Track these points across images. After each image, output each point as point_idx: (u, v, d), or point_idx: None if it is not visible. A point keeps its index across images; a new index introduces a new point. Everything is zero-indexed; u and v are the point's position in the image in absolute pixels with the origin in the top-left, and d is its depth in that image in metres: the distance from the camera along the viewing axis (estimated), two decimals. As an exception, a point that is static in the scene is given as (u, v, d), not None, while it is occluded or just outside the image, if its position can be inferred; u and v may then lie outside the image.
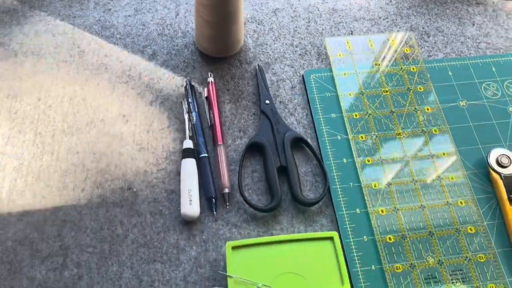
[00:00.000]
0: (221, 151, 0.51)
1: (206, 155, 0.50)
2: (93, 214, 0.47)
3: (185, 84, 0.55)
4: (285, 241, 0.45)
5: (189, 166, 0.49)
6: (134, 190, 0.49)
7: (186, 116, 0.53)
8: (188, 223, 0.47)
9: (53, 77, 0.55)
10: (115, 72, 0.56)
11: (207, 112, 0.54)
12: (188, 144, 0.51)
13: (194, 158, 0.50)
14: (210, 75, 0.55)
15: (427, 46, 0.61)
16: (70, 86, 0.55)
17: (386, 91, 0.56)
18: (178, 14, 0.61)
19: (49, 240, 0.46)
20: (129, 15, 0.61)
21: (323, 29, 0.61)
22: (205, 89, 0.55)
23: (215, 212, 0.48)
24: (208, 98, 0.54)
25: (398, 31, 0.62)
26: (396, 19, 0.63)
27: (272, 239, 0.45)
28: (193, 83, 0.55)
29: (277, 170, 0.50)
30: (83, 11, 0.61)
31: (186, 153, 0.50)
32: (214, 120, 0.52)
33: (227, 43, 0.55)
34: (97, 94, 0.54)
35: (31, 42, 0.58)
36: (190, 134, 0.52)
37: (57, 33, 0.59)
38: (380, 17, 0.63)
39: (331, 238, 0.45)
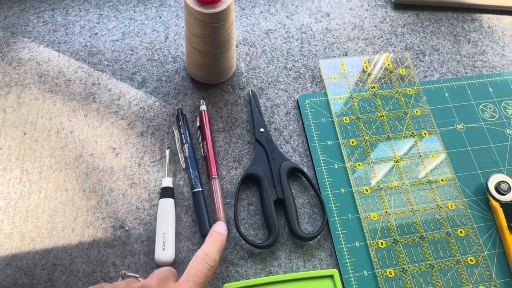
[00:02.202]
0: (216, 184, 0.49)
1: (200, 189, 0.49)
2: (85, 256, 0.45)
3: (176, 113, 0.53)
4: (284, 281, 0.44)
5: (166, 207, 0.47)
6: (127, 228, 0.47)
7: (167, 152, 0.51)
8: (182, 262, 0.46)
9: (39, 109, 0.53)
10: (104, 101, 0.54)
11: (200, 143, 0.52)
12: (167, 182, 0.49)
13: (173, 198, 0.48)
14: (203, 102, 0.54)
15: (423, 66, 0.60)
16: (57, 118, 0.53)
17: (383, 116, 0.55)
18: (167, 38, 0.59)
19: (40, 286, 0.44)
20: (116, 40, 0.59)
21: (316, 51, 0.60)
22: (198, 118, 0.53)
23: (211, 250, 0.46)
24: (201, 127, 0.53)
25: (393, 50, 0.60)
26: (391, 38, 0.62)
27: (271, 279, 0.44)
28: (184, 112, 0.54)
29: (274, 203, 0.48)
30: (68, 36, 0.58)
31: (164, 193, 0.48)
32: (208, 151, 0.51)
33: (220, 71, 0.54)
34: (85, 126, 0.52)
35: (14, 71, 0.55)
36: (184, 167, 0.50)
37: (41, 60, 0.56)
38: (374, 36, 0.62)
39: (331, 276, 0.44)
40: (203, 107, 0.53)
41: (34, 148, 0.51)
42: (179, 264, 0.46)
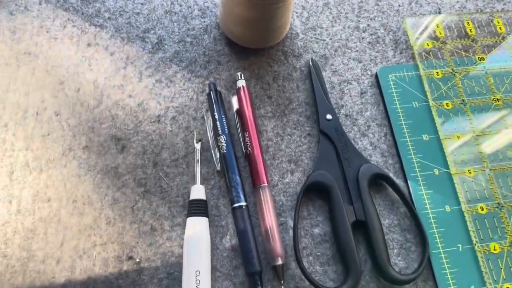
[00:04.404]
0: (267, 197, 0.34)
1: (244, 203, 0.33)
2: (75, 303, 0.31)
3: (208, 90, 0.37)
4: None
5: (197, 230, 0.32)
6: (137, 260, 0.32)
7: (197, 146, 0.35)
8: (220, 312, 0.31)
9: (10, 79, 0.37)
10: (104, 70, 0.38)
11: (240, 135, 0.36)
12: (198, 192, 0.33)
13: (207, 216, 0.33)
14: (240, 76, 0.38)
15: (546, 31, 0.43)
16: (36, 92, 0.37)
17: (497, 100, 0.39)
18: (192, -18, 0.42)
19: None
20: (121, -17, 0.42)
21: (399, 5, 0.43)
22: (235, 98, 0.37)
23: (261, 296, 0.31)
24: (240, 112, 0.37)
25: (503, 8, 0.44)
26: (500, -9, 0.44)
27: None
28: (219, 88, 0.38)
29: (352, 226, 0.33)
30: (54, -24, 0.42)
31: (195, 208, 0.33)
32: (252, 147, 0.35)
33: (270, 29, 0.37)
34: (77, 106, 0.36)
35: (-24, 24, 0.39)
36: (219, 168, 0.35)
37: (15, 10, 0.40)
38: (477, -12, 0.44)
39: None
40: (242, 82, 0.37)
41: (3, 137, 0.35)
42: (214, 317, 0.31)
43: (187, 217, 0.32)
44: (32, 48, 0.38)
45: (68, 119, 0.36)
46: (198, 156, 0.35)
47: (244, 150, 0.36)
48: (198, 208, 0.32)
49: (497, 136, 0.37)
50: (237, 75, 0.38)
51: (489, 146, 0.37)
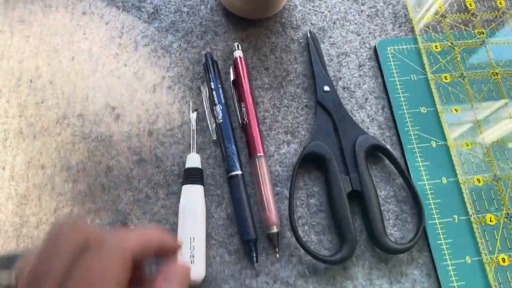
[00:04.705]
0: (263, 166, 0.33)
1: (240, 172, 0.33)
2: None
3: (204, 60, 0.37)
4: (370, 318, 0.29)
5: (193, 198, 0.32)
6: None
7: (193, 116, 0.35)
8: (214, 279, 0.31)
9: (4, 46, 0.37)
10: (99, 39, 0.37)
11: (236, 105, 0.36)
12: (194, 161, 0.33)
13: (202, 184, 0.33)
14: (238, 46, 0.37)
15: (547, 7, 0.42)
16: (31, 60, 0.36)
17: (496, 74, 0.39)
18: (189, -48, 0.42)
19: (0, 312, 0.29)
20: (117, -48, 0.41)
21: (399, -21, 0.42)
22: (232, 68, 0.37)
23: (256, 264, 0.31)
24: (236, 82, 0.36)
25: (504, -17, 0.43)
26: (501, -34, 0.44)
27: (350, 315, 0.29)
28: (215, 59, 0.37)
29: (348, 196, 0.33)
30: None
31: (190, 176, 0.32)
32: (249, 117, 0.35)
33: (268, 0, 0.37)
34: (71, 74, 0.36)
35: (-31, -10, 0.38)
36: (215, 138, 0.35)
37: (9, -23, 0.39)
38: (478, -37, 0.44)
39: (439, 312, 0.30)
40: (239, 53, 0.37)
41: (-4, 104, 0.35)
42: (209, 284, 0.31)
43: (183, 184, 0.32)
44: (26, 16, 0.38)
45: (63, 87, 0.36)
46: (193, 126, 0.35)
47: (240, 121, 0.35)
48: (193, 176, 0.32)
49: (496, 109, 0.37)
50: (234, 45, 0.37)
51: (488, 119, 0.37)
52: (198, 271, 0.30)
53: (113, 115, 0.35)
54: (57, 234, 0.19)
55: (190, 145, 0.34)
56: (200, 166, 0.33)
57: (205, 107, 0.35)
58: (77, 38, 0.37)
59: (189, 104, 0.36)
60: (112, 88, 0.36)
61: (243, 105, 0.35)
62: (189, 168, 0.33)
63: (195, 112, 0.35)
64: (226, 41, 0.38)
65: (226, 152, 0.34)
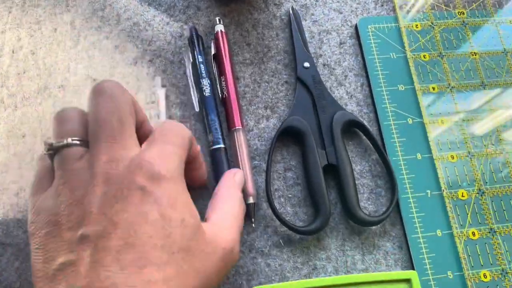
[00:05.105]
0: (240, 139, 0.34)
1: (222, 145, 0.34)
2: (48, 235, 0.31)
3: (189, 33, 0.37)
4: (338, 286, 0.30)
5: None
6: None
7: (160, 93, 0.36)
8: (191, 248, 0.32)
9: (-14, 17, 0.37)
10: (82, 11, 0.38)
11: (217, 80, 0.36)
12: None
13: None
14: (219, 21, 0.37)
15: (528, -11, 0.43)
16: (12, 31, 0.36)
17: (474, 54, 0.39)
18: None
19: (-20, 275, 0.30)
20: None
21: (383, -42, 0.43)
22: (213, 43, 0.37)
23: (232, 233, 0.32)
24: (217, 56, 0.37)
25: (487, -36, 0.43)
26: None
27: (318, 282, 0.30)
28: (199, 33, 0.37)
29: (323, 169, 0.34)
30: None
31: None
32: (228, 91, 0.35)
33: (250, -27, 0.37)
34: (53, 45, 0.36)
35: (-49, -40, 0.38)
36: (197, 110, 0.35)
37: None
38: None
39: (406, 281, 0.31)
40: (220, 27, 0.37)
41: (-22, 74, 0.35)
42: (185, 252, 0.31)
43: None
44: (9, -13, 0.38)
45: (44, 58, 0.36)
46: (162, 101, 0.35)
47: (220, 94, 0.36)
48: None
49: (473, 92, 0.38)
50: (216, 20, 0.38)
51: (464, 96, 0.38)
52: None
53: (94, 87, 0.35)
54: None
55: (168, 117, 0.35)
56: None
57: (189, 80, 0.36)
58: (59, 10, 0.37)
59: (158, 81, 0.36)
60: (93, 60, 0.36)
61: (223, 79, 0.36)
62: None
63: (165, 88, 0.36)
64: (208, 16, 0.39)
65: (210, 126, 0.34)
